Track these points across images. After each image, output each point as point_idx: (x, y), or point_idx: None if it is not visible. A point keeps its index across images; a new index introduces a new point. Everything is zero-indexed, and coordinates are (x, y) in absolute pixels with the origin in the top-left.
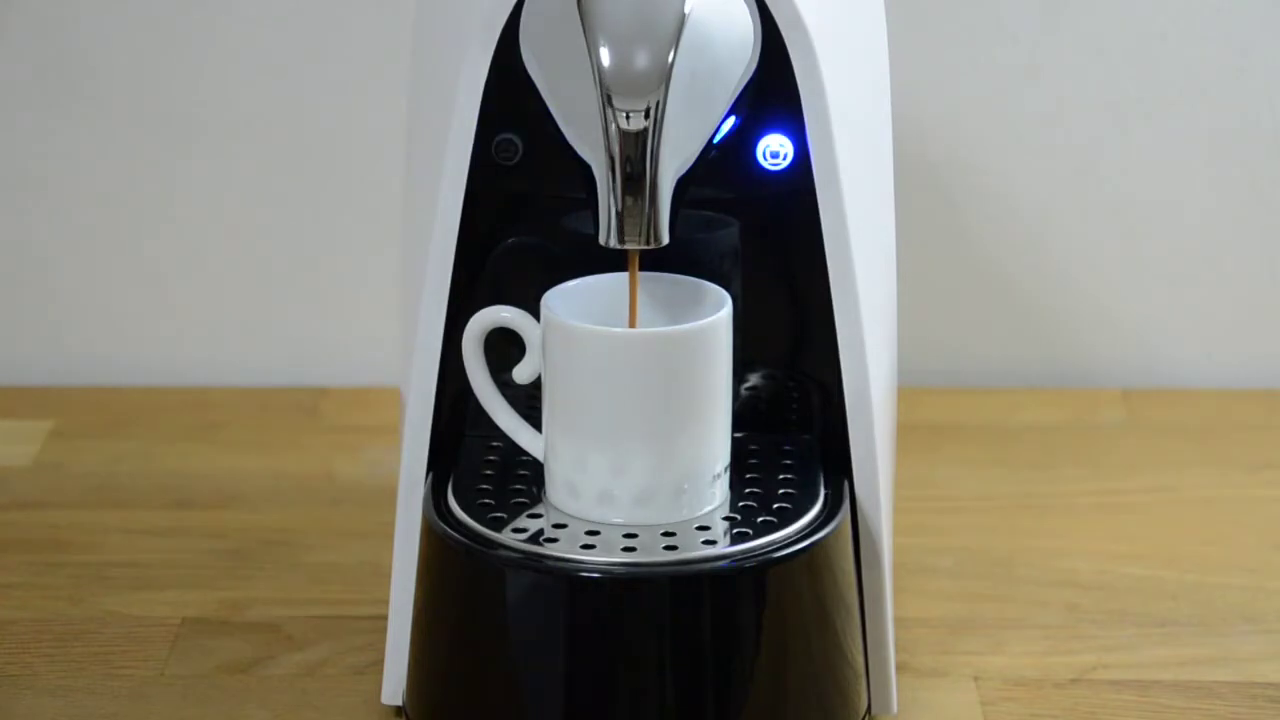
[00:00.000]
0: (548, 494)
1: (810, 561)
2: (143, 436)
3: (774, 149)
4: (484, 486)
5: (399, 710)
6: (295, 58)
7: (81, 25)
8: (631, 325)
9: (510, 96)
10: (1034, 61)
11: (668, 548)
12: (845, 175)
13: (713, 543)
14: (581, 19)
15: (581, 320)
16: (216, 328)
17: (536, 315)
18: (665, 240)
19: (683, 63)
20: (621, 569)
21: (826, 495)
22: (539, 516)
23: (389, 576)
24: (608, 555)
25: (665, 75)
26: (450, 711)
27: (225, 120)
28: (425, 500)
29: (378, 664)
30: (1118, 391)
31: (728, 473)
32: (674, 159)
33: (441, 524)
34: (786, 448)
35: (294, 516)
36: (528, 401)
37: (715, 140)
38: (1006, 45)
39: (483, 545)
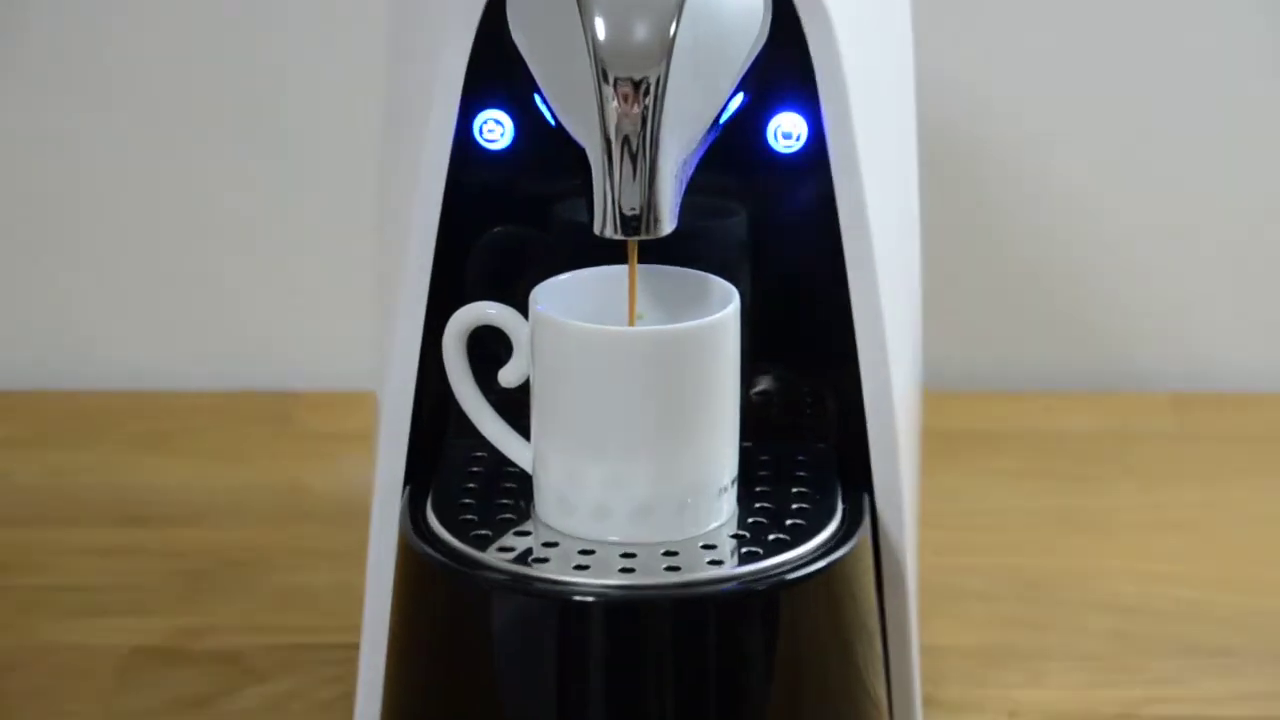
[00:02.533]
0: (537, 509)
1: (827, 583)
2: (92, 446)
3: (786, 129)
4: (467, 500)
5: None
6: (264, 47)
7: (45, 7)
8: (630, 323)
9: (496, 71)
10: (1074, 36)
11: (669, 568)
12: (865, 158)
13: (719, 563)
14: None
15: (574, 317)
16: (175, 326)
17: (524, 312)
18: (667, 230)
19: (686, 34)
20: (618, 592)
21: (844, 510)
22: (527, 534)
23: (362, 600)
24: (603, 577)
25: (667, 48)
26: None
27: (183, 102)
28: (402, 515)
29: (349, 697)
30: (1166, 396)
31: (735, 486)
32: (676, 140)
33: (420, 542)
34: (800, 458)
35: (258, 534)
36: (515, 407)
37: (722, 120)
38: (1044, 17)
39: (465, 566)
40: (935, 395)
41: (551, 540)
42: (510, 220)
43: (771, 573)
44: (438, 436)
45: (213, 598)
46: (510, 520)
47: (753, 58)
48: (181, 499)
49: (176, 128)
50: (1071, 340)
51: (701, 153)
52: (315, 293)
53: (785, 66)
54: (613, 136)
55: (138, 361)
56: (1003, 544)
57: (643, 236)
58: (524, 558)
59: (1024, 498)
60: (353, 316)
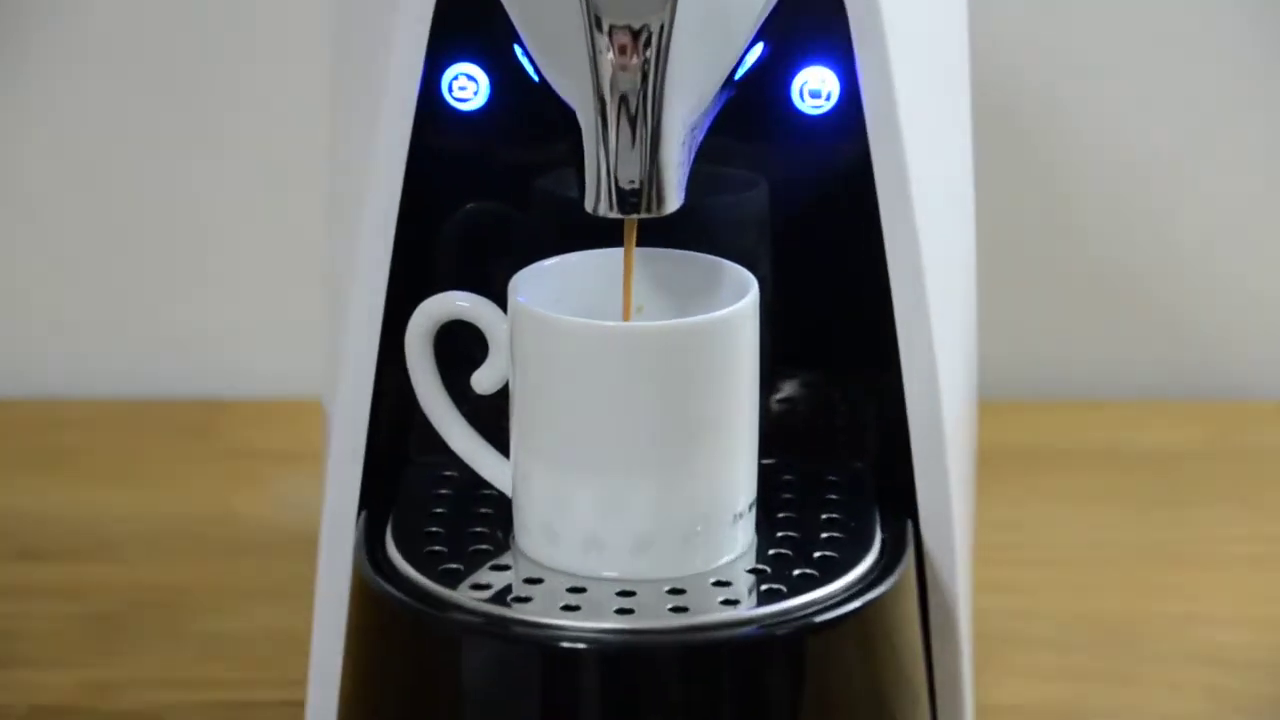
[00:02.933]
0: (517, 539)
1: (862, 629)
2: None
3: (814, 86)
4: (434, 529)
5: None
6: (195, 22)
7: None
8: (626, 317)
9: (469, 18)
10: None
11: (675, 609)
12: (907, 121)
13: (734, 603)
14: None
15: (562, 310)
16: (76, 320)
17: (502, 304)
18: (672, 207)
19: None
20: (615, 637)
21: (883, 541)
22: (506, 569)
23: (307, 650)
24: (596, 619)
25: None
26: None
27: (81, 73)
28: (357, 548)
29: None
30: (1274, 404)
31: (753, 511)
32: (683, 100)
33: (378, 579)
34: (831, 479)
35: (180, 570)
36: (492, 417)
37: (738, 75)
38: None
39: (432, 606)
40: (993, 404)
41: (535, 576)
42: (485, 195)
43: (796, 615)
44: (399, 453)
45: (126, 647)
46: (485, 552)
47: (774, 1)
48: (86, 529)
49: (74, 102)
50: (1159, 337)
51: (713, 115)
52: (248, 281)
53: (813, 11)
54: (608, 95)
55: (31, 362)
56: (1077, 583)
57: (643, 214)
58: (502, 597)
59: (1102, 528)
60: (294, 309)
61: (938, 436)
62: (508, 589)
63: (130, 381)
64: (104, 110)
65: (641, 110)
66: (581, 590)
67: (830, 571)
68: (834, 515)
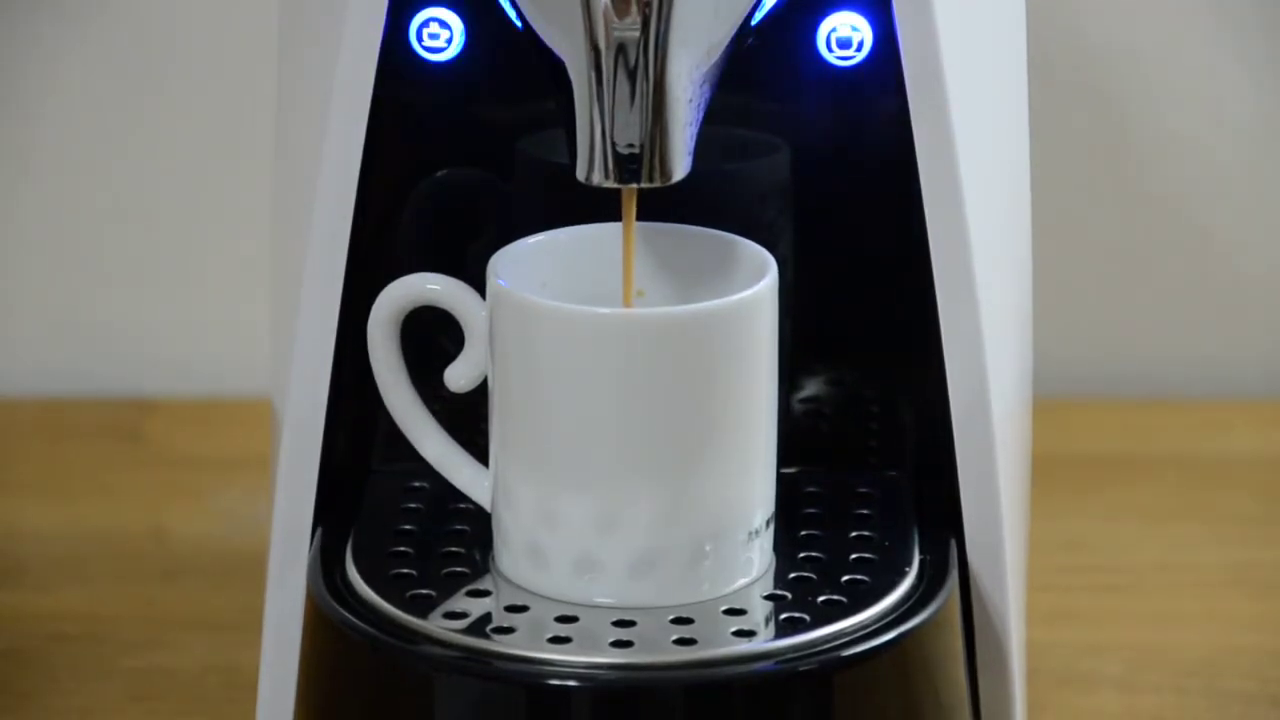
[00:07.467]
0: (498, 560)
1: (897, 665)
2: None
3: (843, 35)
4: (401, 549)
5: None
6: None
7: None
8: (625, 303)
9: None
10: None
11: (681, 641)
12: (953, 75)
13: (749, 634)
14: None
15: (549, 295)
16: None
17: (480, 288)
18: (678, 175)
19: None
20: (611, 674)
21: (923, 563)
22: (485, 595)
23: (253, 689)
24: (590, 653)
25: None
26: None
27: None
28: (312, 569)
29: None
30: None
31: (772, 528)
32: (691, 51)
33: (337, 606)
34: (862, 491)
35: (105, 598)
36: (468, 419)
37: (754, 20)
38: None
39: (400, 639)
40: (1051, 403)
41: (518, 603)
42: (460, 161)
43: (821, 649)
44: (360, 460)
45: (42, 687)
46: (461, 575)
47: None
48: None
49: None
50: (1244, 327)
51: (725, 68)
52: (182, 264)
53: None
54: (603, 45)
55: None
56: (1150, 613)
57: (644, 184)
58: (480, 627)
59: (1182, 548)
60: (236, 296)
61: (986, 441)
62: (487, 618)
63: (48, 378)
64: (34, 99)
65: (642, 62)
66: (572, 619)
67: (860, 598)
68: (865, 533)
